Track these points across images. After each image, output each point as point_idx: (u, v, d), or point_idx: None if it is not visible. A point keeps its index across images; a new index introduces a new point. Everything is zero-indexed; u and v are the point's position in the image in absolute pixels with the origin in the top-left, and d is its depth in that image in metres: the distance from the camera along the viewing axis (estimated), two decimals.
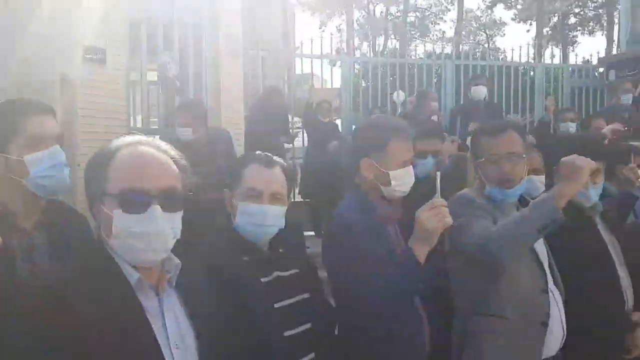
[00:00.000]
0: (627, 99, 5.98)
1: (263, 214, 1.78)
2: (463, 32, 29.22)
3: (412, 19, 31.15)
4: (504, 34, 34.67)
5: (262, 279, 1.77)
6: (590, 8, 28.56)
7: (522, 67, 8.38)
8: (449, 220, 1.77)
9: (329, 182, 5.56)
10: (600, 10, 27.63)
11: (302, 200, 6.65)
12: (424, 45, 21.27)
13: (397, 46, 21.34)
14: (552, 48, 22.95)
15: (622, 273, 2.60)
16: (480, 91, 5.67)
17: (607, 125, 4.84)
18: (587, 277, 2.42)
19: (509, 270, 2.10)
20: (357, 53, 22.40)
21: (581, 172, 1.92)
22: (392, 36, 29.11)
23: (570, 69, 8.83)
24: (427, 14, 32.04)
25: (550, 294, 2.20)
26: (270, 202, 1.80)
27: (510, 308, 2.13)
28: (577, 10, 29.29)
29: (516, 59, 8.54)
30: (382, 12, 30.60)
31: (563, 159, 2.00)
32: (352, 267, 1.92)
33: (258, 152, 1.91)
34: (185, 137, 3.84)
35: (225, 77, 5.34)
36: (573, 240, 2.44)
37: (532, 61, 8.55)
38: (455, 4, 29.01)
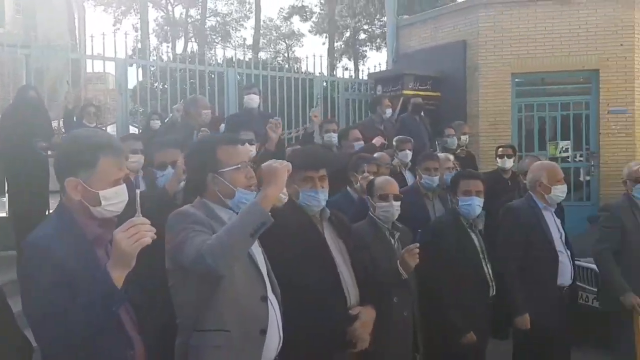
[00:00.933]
0: (389, 112, 6.70)
1: None
2: (264, 40, 29.99)
3: (213, 23, 31.05)
4: (302, 45, 36.40)
5: None
6: (377, 26, 31.35)
7: (302, 79, 8.81)
8: (147, 240, 1.70)
9: None
10: (385, 29, 30.48)
11: None
12: (224, 51, 21.44)
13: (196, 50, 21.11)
14: (345, 61, 24.80)
15: (346, 273, 2.82)
16: (253, 100, 5.78)
17: (362, 135, 5.30)
18: (308, 279, 2.59)
19: (227, 281, 2.13)
20: (154, 54, 21.61)
21: (278, 174, 2.07)
22: (193, 39, 28.72)
23: (344, 82, 9.54)
24: (227, 19, 32.20)
25: (269, 301, 2.28)
26: None
27: (229, 320, 2.16)
28: (366, 27, 31.97)
29: (315, 70, 9.06)
30: (181, 13, 29.98)
31: (263, 164, 2.11)
32: (49, 297, 1.76)
33: None
34: None
35: None
36: (294, 243, 2.60)
37: (312, 73, 9.07)
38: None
